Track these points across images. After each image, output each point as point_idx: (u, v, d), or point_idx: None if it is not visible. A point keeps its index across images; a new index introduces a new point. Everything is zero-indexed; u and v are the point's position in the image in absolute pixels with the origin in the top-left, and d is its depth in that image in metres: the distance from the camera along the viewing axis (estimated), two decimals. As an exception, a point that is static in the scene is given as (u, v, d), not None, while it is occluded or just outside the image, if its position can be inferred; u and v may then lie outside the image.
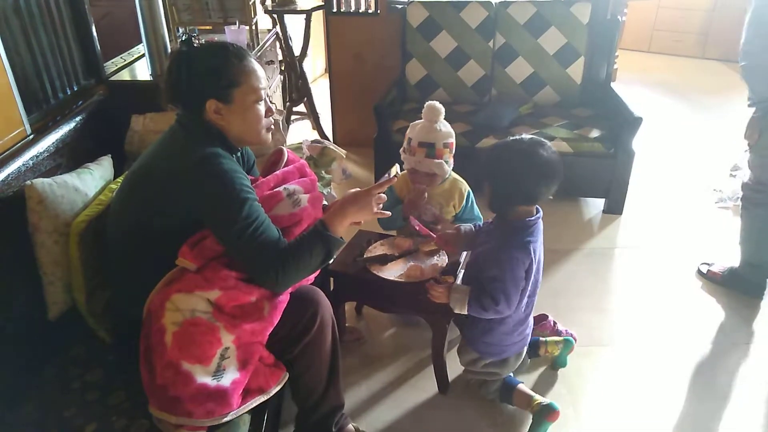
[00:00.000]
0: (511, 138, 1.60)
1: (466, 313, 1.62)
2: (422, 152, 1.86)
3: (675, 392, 1.89)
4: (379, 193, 1.44)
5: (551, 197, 1.57)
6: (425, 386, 1.92)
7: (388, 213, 1.48)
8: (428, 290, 1.67)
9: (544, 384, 1.90)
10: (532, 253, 1.58)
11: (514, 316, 1.69)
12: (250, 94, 1.36)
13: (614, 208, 2.98)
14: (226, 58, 1.34)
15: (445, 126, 1.89)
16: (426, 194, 1.90)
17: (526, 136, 1.58)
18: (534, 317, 2.09)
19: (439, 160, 1.85)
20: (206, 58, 1.34)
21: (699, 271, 2.51)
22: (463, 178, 2.02)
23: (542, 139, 1.56)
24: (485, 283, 1.60)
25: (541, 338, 1.90)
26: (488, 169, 1.59)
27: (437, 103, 1.88)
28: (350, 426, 1.65)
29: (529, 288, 1.64)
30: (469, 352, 1.80)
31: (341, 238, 1.38)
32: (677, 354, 2.06)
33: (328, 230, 1.35)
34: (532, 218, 1.59)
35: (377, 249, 1.92)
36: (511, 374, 1.82)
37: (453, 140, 1.90)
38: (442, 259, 1.85)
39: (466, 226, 1.79)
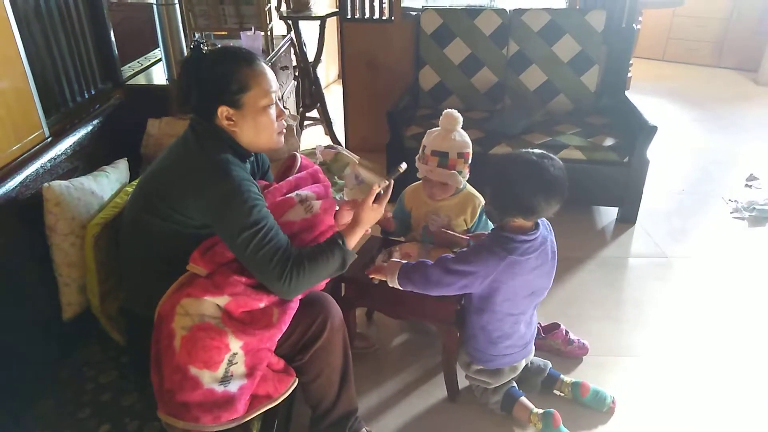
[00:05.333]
0: (523, 150, 1.57)
1: (397, 285, 1.65)
2: (435, 161, 1.81)
3: (691, 402, 1.87)
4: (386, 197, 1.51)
5: (553, 215, 1.55)
6: (435, 393, 1.91)
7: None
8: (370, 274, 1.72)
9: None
10: (510, 266, 1.56)
11: (494, 328, 1.69)
12: (260, 98, 1.35)
13: (628, 216, 2.96)
14: (235, 63, 1.33)
15: (461, 135, 1.84)
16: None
17: (536, 150, 1.55)
18: (545, 326, 2.09)
19: (452, 171, 1.81)
20: (214, 64, 1.32)
21: None
22: (476, 185, 1.98)
23: (552, 155, 1.54)
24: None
25: (562, 376, 1.88)
26: (490, 176, 1.58)
27: (455, 112, 1.83)
28: (364, 430, 1.65)
29: (503, 304, 1.64)
30: (462, 353, 1.82)
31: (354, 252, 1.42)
32: (693, 364, 2.03)
33: (345, 243, 1.37)
34: (527, 236, 1.57)
35: (394, 254, 1.88)
36: (515, 385, 1.82)
37: (469, 150, 1.84)
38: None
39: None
